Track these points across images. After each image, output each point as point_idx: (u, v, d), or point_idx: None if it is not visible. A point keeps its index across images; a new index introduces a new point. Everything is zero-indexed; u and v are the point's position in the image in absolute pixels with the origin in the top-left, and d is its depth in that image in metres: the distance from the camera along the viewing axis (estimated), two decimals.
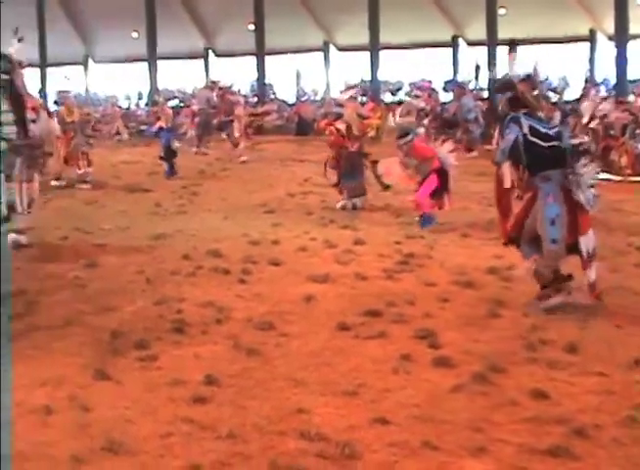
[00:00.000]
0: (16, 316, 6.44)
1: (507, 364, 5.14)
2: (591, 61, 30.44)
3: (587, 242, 6.20)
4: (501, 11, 26.75)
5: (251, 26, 30.37)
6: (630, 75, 23.99)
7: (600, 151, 14.77)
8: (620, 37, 24.35)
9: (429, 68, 30.50)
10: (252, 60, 30.77)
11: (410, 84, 25.85)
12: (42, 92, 28.01)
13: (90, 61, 35.61)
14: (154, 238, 9.48)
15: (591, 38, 30.44)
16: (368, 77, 27.36)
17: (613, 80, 25.47)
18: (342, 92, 13.65)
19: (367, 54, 28.07)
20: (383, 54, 28.10)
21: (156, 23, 30.62)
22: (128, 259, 8.44)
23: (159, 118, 16.90)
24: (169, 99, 24.88)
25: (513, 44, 9.19)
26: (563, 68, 28.36)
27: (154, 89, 30.02)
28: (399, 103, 24.05)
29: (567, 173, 6.22)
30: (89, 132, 15.32)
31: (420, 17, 30.53)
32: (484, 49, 26.08)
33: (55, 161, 12.07)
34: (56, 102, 15.94)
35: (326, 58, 34.07)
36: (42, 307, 6.73)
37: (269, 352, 5.51)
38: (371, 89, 26.19)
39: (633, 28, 24.28)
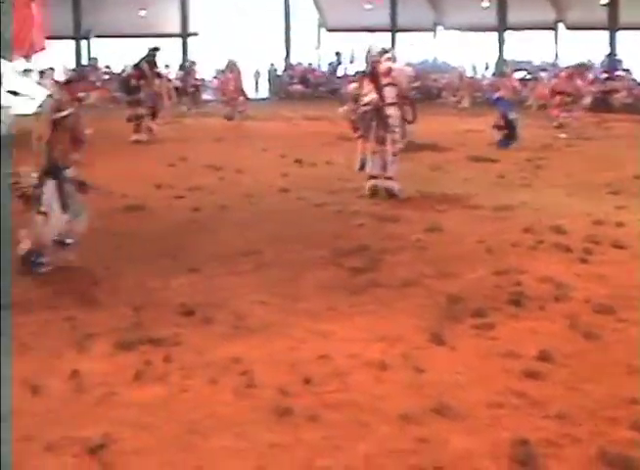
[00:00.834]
0: (358, 271, 6.83)
1: None
2: None
3: None
4: None
5: (604, 0, 28.87)
6: None
7: None
8: None
9: None
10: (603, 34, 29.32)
11: None
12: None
13: (439, 28, 36.05)
14: (497, 209, 9.47)
15: None
16: None
17: None
18: None
19: None
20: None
21: None
22: (470, 227, 8.53)
23: (499, 88, 16.81)
24: (517, 70, 24.45)
25: None
26: None
27: (501, 60, 29.78)
28: None
29: None
30: None
31: None
32: None
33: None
34: None
35: None
36: (384, 266, 7.05)
37: (607, 337, 5.31)
38: None
39: None
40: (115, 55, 30.61)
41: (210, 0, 33.45)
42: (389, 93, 10.02)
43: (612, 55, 28.69)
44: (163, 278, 6.70)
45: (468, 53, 33.38)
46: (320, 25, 34.46)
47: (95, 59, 32.53)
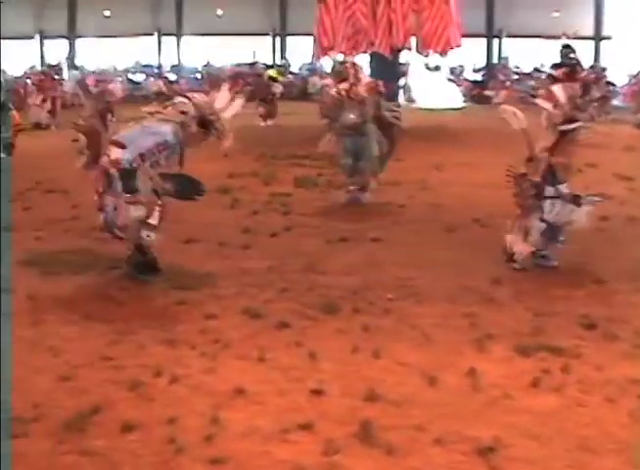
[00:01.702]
0: None
1: None
2: None
3: None
4: None
5: None
6: None
7: None
8: None
9: None
10: None
11: None
12: None
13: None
14: None
15: None
16: None
17: None
18: None
19: None
20: None
21: None
22: None
23: None
24: None
25: None
26: None
27: None
28: None
29: None
30: None
31: None
32: None
33: None
34: None
35: None
36: None
37: None
38: None
39: None
40: (526, 55, 30.49)
41: (628, 2, 31.69)
42: None
43: None
44: (567, 287, 6.55)
45: None
46: None
47: (506, 58, 32.71)
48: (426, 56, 19.94)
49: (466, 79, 30.71)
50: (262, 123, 20.05)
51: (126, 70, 31.90)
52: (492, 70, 31.00)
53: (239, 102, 6.80)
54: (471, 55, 29.39)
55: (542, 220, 6.96)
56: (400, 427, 4.10)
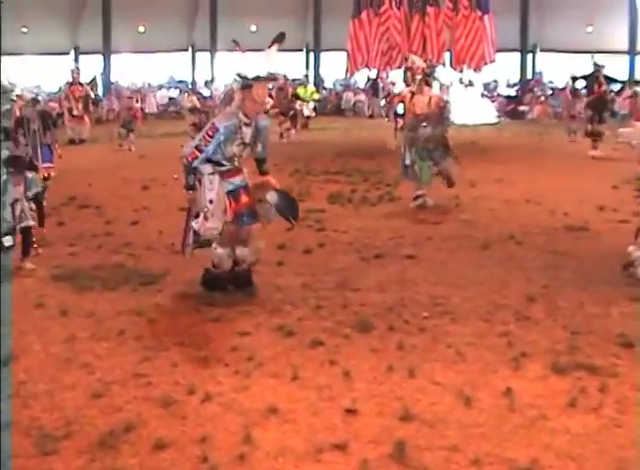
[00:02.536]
0: None
1: None
2: None
3: None
4: None
5: None
6: None
7: None
8: None
9: None
10: None
11: None
12: None
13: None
14: None
15: None
16: None
17: None
18: None
19: None
20: None
21: None
22: None
23: None
24: None
25: None
26: None
27: None
28: None
29: None
30: None
31: None
32: None
33: None
34: None
35: None
36: None
37: None
38: None
39: None
40: (560, 70, 30.23)
41: None
42: None
43: None
44: (604, 304, 6.44)
45: None
46: None
47: (540, 73, 32.51)
48: (460, 72, 19.90)
49: (500, 95, 30.55)
50: (281, 139, 19.18)
51: (160, 86, 32.17)
52: (526, 86, 30.79)
53: None
54: (505, 70, 29.21)
55: None
56: (435, 447, 4.06)
